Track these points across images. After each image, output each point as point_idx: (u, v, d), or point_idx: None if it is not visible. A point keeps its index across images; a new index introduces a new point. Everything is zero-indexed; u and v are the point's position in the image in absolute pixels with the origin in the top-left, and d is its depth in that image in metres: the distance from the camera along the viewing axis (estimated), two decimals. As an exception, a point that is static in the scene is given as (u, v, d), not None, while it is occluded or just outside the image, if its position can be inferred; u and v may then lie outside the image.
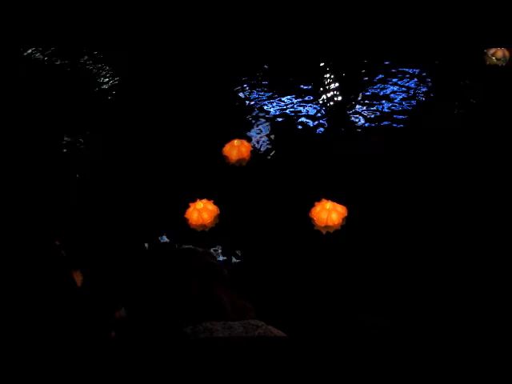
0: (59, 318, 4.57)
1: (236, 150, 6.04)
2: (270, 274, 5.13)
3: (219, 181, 5.92)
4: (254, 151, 6.17)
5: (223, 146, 6.13)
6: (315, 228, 5.35)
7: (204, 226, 5.57)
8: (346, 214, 5.38)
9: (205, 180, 5.95)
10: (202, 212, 5.54)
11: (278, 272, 5.12)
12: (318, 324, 4.68)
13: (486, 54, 7.22)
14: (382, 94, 6.96)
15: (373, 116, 6.67)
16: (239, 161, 6.05)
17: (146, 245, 5.53)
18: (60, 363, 4.29)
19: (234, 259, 5.36)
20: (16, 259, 4.87)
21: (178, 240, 5.56)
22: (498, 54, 7.14)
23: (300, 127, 6.59)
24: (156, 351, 4.43)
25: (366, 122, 6.60)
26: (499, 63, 7.17)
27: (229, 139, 6.16)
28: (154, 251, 5.50)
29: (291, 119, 6.69)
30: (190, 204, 5.61)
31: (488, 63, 7.19)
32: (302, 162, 6.12)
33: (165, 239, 5.59)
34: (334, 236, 5.30)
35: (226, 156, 6.07)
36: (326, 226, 5.31)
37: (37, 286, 4.76)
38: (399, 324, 4.58)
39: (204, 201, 5.61)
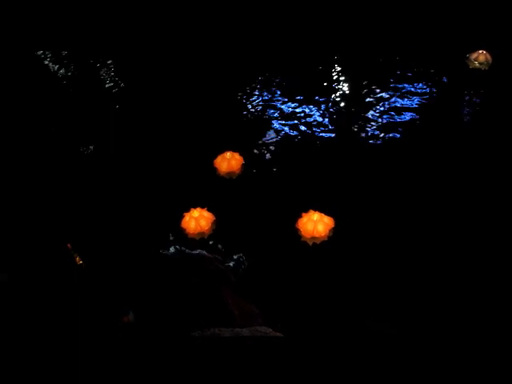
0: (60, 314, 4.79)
1: (226, 162, 6.16)
2: (275, 281, 5.29)
3: (209, 191, 6.04)
4: (246, 165, 6.27)
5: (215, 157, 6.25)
6: (302, 239, 5.49)
7: (202, 233, 5.68)
8: (332, 226, 5.50)
9: (195, 190, 6.06)
10: (199, 220, 5.65)
11: (282, 279, 5.29)
12: (324, 329, 4.88)
13: (468, 58, 7.41)
14: (376, 105, 7.11)
15: (370, 129, 6.80)
16: (229, 174, 6.17)
17: (155, 251, 5.64)
18: (60, 360, 4.51)
19: (238, 265, 5.48)
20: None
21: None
22: (480, 58, 7.32)
23: (295, 137, 6.74)
24: (163, 351, 4.63)
25: (362, 134, 6.74)
26: (482, 67, 7.34)
27: (224, 150, 6.27)
28: (163, 257, 5.61)
29: (288, 128, 6.85)
30: (185, 214, 5.71)
31: (471, 67, 7.38)
32: (293, 173, 6.27)
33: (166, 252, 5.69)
34: (321, 247, 5.44)
35: (216, 168, 6.20)
36: (313, 238, 5.45)
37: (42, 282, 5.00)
38: (405, 330, 4.78)
39: (198, 209, 5.72)
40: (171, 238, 5.69)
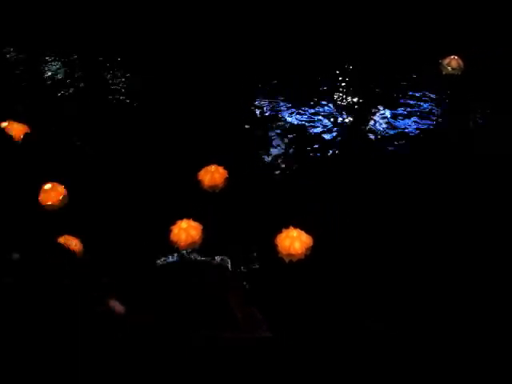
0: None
1: (210, 175, 6.28)
2: (277, 287, 5.49)
3: (191, 204, 6.16)
4: (231, 178, 6.36)
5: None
6: (279, 255, 5.64)
7: (194, 243, 5.78)
8: (310, 244, 5.61)
9: (177, 202, 6.20)
10: (189, 230, 5.75)
11: (282, 284, 5.51)
12: (324, 330, 5.12)
13: (441, 64, 7.67)
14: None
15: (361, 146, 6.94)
16: (212, 187, 6.30)
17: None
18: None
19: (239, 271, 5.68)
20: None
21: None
22: (452, 63, 7.61)
23: (286, 151, 6.89)
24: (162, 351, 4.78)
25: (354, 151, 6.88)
26: (455, 72, 7.63)
27: (210, 162, 6.39)
28: (163, 263, 5.78)
29: (280, 142, 7.02)
30: (172, 227, 5.81)
31: (444, 73, 7.65)
32: (280, 188, 6.43)
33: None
34: (296, 265, 5.59)
35: (199, 180, 6.33)
36: (289, 254, 5.57)
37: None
38: (405, 330, 5.02)
39: (185, 220, 5.83)
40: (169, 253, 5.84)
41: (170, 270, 5.69)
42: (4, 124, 6.68)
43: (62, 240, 5.63)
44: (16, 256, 5.10)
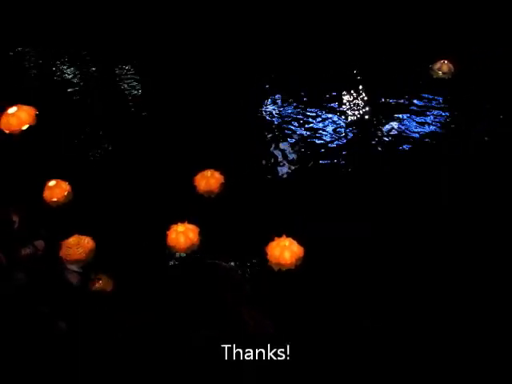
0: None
1: (205, 180, 6.37)
2: (278, 288, 5.66)
3: (185, 208, 6.30)
4: (227, 184, 6.39)
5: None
6: (268, 263, 5.64)
7: (192, 245, 5.81)
8: (301, 255, 5.57)
9: (171, 207, 6.40)
10: (187, 233, 5.77)
11: (285, 286, 5.66)
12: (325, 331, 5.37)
13: (431, 68, 7.83)
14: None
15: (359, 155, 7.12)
16: (207, 192, 6.38)
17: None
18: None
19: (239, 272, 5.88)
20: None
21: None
22: (443, 68, 7.76)
23: (285, 157, 7.07)
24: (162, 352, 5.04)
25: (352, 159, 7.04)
26: (445, 76, 7.80)
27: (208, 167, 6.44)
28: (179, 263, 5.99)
29: (281, 147, 7.19)
30: (169, 232, 5.84)
31: (435, 77, 7.83)
32: (276, 194, 6.61)
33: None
34: (285, 275, 5.61)
35: (195, 185, 6.44)
36: (278, 264, 5.56)
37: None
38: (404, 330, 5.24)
39: (181, 224, 5.87)
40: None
41: (171, 271, 5.99)
42: (13, 108, 6.62)
43: (74, 238, 5.85)
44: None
